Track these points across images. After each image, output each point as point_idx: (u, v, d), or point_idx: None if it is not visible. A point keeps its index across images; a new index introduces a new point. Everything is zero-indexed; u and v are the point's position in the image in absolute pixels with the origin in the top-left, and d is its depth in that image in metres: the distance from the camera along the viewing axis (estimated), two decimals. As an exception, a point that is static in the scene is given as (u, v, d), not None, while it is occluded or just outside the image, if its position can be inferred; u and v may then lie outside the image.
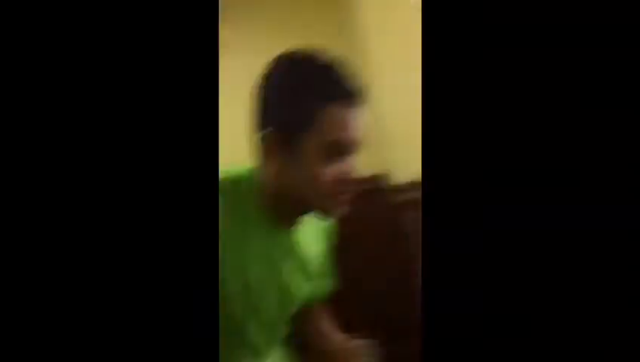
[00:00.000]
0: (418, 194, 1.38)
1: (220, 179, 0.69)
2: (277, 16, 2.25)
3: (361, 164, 0.68)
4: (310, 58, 0.68)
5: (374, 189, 1.80)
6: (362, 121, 0.67)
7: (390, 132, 1.76)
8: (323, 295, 0.90)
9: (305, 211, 0.73)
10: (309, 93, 0.65)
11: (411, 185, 1.67)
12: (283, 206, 0.71)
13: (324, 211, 0.70)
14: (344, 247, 0.96)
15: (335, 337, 0.89)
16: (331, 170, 0.66)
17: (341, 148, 0.65)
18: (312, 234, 0.82)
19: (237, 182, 0.72)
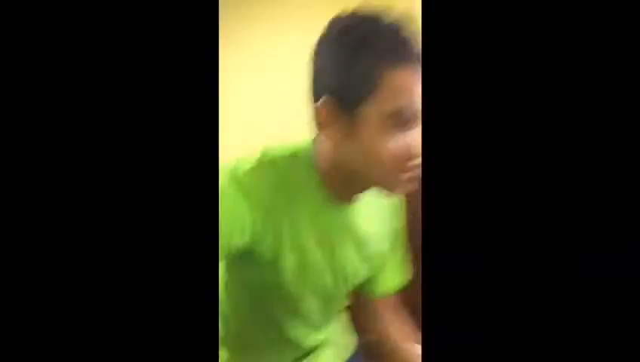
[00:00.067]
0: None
1: (275, 152, 0.66)
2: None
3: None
4: (371, 18, 0.60)
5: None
6: None
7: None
8: (389, 285, 0.85)
9: (365, 187, 0.68)
10: (369, 57, 0.58)
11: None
12: (341, 181, 0.66)
13: (387, 187, 0.64)
14: (412, 230, 0.88)
15: (393, 336, 0.85)
16: (395, 142, 0.59)
17: (406, 118, 0.59)
18: (372, 213, 0.76)
19: (291, 156, 0.67)
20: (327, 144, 0.65)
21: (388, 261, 0.83)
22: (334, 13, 0.63)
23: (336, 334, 0.88)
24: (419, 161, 0.60)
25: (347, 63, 0.59)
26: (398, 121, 0.58)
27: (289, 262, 0.66)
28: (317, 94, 0.62)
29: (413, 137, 0.60)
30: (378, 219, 0.77)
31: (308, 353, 0.83)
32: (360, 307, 0.87)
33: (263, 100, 2.65)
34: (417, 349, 0.82)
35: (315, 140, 0.68)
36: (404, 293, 0.88)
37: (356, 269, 0.75)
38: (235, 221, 0.60)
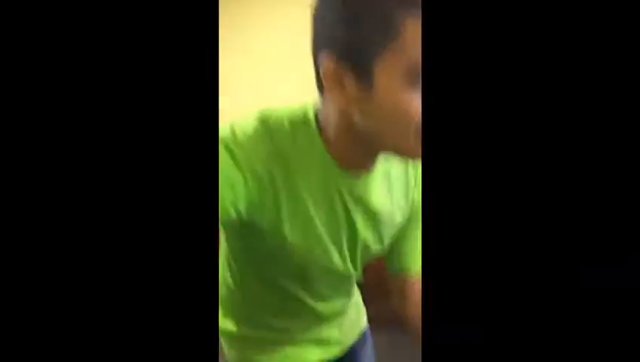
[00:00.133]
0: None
1: (274, 119, 0.60)
2: None
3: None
4: None
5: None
6: None
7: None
8: (411, 263, 0.77)
9: (378, 153, 0.62)
10: (385, 3, 0.49)
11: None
12: (350, 147, 0.59)
13: (404, 152, 0.57)
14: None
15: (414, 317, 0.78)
16: (414, 100, 0.51)
17: None
18: (386, 182, 0.69)
19: (292, 121, 0.60)
20: (334, 107, 0.57)
21: (408, 236, 0.76)
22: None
23: (347, 306, 0.86)
24: None
25: (357, 12, 0.50)
26: (417, 75, 0.50)
27: (289, 233, 0.62)
28: (321, 51, 0.54)
29: None
30: (393, 189, 0.70)
31: (316, 323, 0.82)
32: (382, 282, 0.84)
33: (264, 62, 2.64)
34: None
35: (319, 103, 0.61)
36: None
37: (367, 243, 0.70)
38: (228, 190, 0.55)
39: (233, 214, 0.56)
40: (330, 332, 0.85)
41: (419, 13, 0.48)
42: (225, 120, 0.58)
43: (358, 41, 0.50)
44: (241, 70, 2.66)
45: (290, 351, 0.82)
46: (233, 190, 0.55)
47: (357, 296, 0.92)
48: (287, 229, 0.61)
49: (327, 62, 0.52)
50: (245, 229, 0.61)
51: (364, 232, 0.68)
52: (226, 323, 0.83)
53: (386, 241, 0.73)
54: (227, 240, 0.72)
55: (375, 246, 0.71)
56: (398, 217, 0.72)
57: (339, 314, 0.84)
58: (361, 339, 0.92)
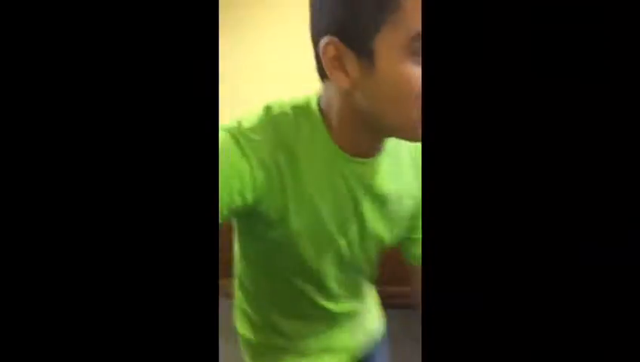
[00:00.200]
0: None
1: (277, 109, 0.59)
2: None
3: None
4: None
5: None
6: None
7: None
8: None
9: (384, 136, 0.60)
10: None
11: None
12: (354, 133, 0.58)
13: (411, 130, 0.54)
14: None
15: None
16: (416, 72, 0.49)
17: None
18: (393, 167, 0.66)
19: (295, 110, 0.60)
20: (337, 92, 0.56)
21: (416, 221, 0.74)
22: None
23: (359, 310, 0.82)
24: None
25: None
26: (419, 47, 0.48)
27: (296, 223, 0.61)
28: (321, 36, 0.52)
29: None
30: (403, 174, 0.68)
31: (327, 326, 0.79)
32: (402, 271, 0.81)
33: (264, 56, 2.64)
34: None
35: (321, 92, 0.60)
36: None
37: (377, 230, 0.67)
38: (235, 178, 0.55)
39: (240, 203, 0.56)
40: (342, 338, 0.82)
41: None
42: (225, 114, 0.57)
43: (358, 21, 0.49)
44: (241, 65, 2.66)
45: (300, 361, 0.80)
46: (240, 178, 0.55)
47: (371, 302, 0.89)
48: (293, 218, 0.60)
49: (327, 47, 0.52)
50: (253, 220, 0.61)
51: (373, 219, 0.66)
52: (243, 329, 0.82)
53: (398, 229, 0.71)
54: (238, 235, 0.71)
55: (386, 235, 0.69)
56: (409, 203, 0.69)
57: (350, 316, 0.81)
58: (375, 348, 0.88)
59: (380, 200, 0.65)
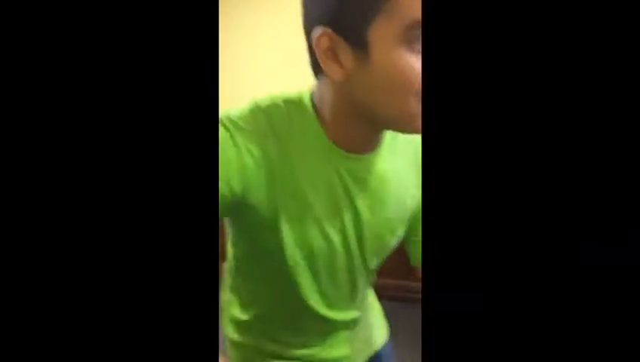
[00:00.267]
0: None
1: (270, 102, 0.58)
2: None
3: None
4: None
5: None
6: None
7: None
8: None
9: (381, 128, 0.58)
10: None
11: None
12: (351, 126, 0.56)
13: (407, 123, 0.52)
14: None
15: None
16: (412, 63, 0.48)
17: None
18: (391, 163, 0.64)
19: (286, 103, 0.58)
20: (331, 86, 0.55)
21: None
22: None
23: (359, 320, 0.77)
24: None
25: None
26: (416, 34, 0.47)
27: (286, 221, 0.58)
28: (314, 28, 0.51)
29: None
30: (402, 172, 0.65)
31: (323, 337, 0.74)
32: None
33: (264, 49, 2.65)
34: None
35: (315, 87, 0.58)
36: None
37: (376, 231, 0.64)
38: (222, 167, 0.53)
39: (228, 192, 0.54)
40: (339, 347, 0.76)
41: None
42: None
43: (352, 10, 0.48)
44: (240, 58, 2.66)
45: None
46: (227, 167, 0.53)
47: (374, 310, 0.84)
48: (283, 215, 0.58)
49: (321, 38, 0.50)
50: (243, 218, 0.59)
51: (371, 219, 0.63)
52: (231, 332, 0.78)
53: (399, 230, 0.67)
54: (230, 238, 0.69)
55: (386, 236, 0.66)
56: (411, 203, 0.67)
57: (350, 325, 0.76)
58: (377, 360, 0.83)
59: (378, 199, 0.62)
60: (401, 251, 0.79)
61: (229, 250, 0.72)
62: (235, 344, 0.78)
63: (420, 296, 1.81)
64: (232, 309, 0.77)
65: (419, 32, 0.47)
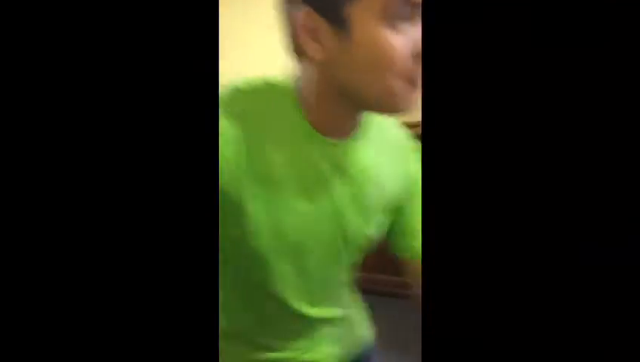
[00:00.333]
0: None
1: (249, 82, 0.56)
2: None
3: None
4: None
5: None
6: None
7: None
8: (410, 245, 0.68)
9: (362, 110, 0.56)
10: None
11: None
12: (331, 108, 0.55)
13: (388, 103, 0.51)
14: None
15: None
16: (393, 41, 0.48)
17: (407, 12, 0.47)
18: (375, 150, 0.62)
19: (266, 85, 0.56)
20: (312, 67, 0.53)
21: (409, 213, 0.68)
22: None
23: (337, 317, 0.72)
24: None
25: None
26: (398, 15, 0.47)
27: (254, 206, 0.55)
28: (292, 7, 0.51)
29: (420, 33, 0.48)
30: (383, 159, 0.64)
31: (299, 334, 0.70)
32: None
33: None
34: None
35: (295, 69, 0.57)
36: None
37: (353, 219, 0.61)
38: None
39: None
40: (318, 347, 0.72)
41: None
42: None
43: None
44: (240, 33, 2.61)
45: None
46: None
47: (355, 308, 0.80)
48: (252, 202, 0.55)
49: (301, 18, 0.50)
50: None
51: (350, 207, 0.60)
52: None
53: (379, 220, 0.65)
54: None
55: (366, 226, 0.63)
56: (391, 190, 0.65)
57: (328, 323, 0.71)
58: (360, 360, 0.79)
59: (357, 187, 0.60)
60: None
61: None
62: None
63: (397, 290, 1.82)
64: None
65: (399, 10, 0.47)
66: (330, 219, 0.60)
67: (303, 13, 0.49)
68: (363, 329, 0.81)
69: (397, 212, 0.68)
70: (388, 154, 0.65)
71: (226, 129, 0.53)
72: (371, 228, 0.65)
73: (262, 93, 0.55)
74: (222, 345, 0.68)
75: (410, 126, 0.74)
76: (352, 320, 0.77)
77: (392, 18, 0.47)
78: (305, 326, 0.69)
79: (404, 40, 0.48)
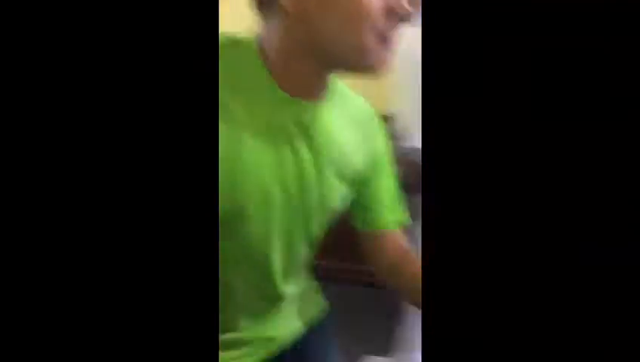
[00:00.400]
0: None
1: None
2: None
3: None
4: None
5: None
6: None
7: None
8: (386, 220, 0.68)
9: (332, 68, 0.54)
10: None
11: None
12: (299, 66, 0.52)
13: (362, 60, 0.50)
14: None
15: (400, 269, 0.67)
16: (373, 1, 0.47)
17: None
18: (341, 117, 0.60)
19: (229, 43, 0.53)
20: (279, 22, 0.51)
21: (372, 188, 0.68)
22: None
23: (297, 288, 0.70)
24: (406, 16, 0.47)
25: None
26: None
27: (220, 167, 0.51)
28: None
29: None
30: (351, 129, 0.62)
31: (261, 305, 0.66)
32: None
33: None
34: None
35: (260, 27, 0.54)
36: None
37: (321, 192, 0.59)
38: None
39: None
40: (274, 324, 0.69)
41: None
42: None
43: None
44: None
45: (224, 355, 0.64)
46: None
47: (309, 283, 0.78)
48: (226, 182, 0.51)
49: None
50: None
51: (314, 174, 0.58)
52: None
53: (343, 191, 0.63)
54: None
55: (330, 195, 0.61)
56: (356, 161, 0.63)
57: (286, 300, 0.68)
58: (311, 336, 0.76)
59: (323, 152, 0.58)
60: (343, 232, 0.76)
61: None
62: None
63: (361, 277, 1.84)
64: None
65: None
66: (295, 182, 0.57)
67: None
68: (314, 304, 0.80)
69: (361, 184, 0.67)
70: (354, 127, 0.63)
71: None
72: (334, 198, 0.63)
73: (226, 51, 0.51)
74: None
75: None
76: (303, 296, 0.76)
77: None
78: (259, 300, 0.66)
79: None
